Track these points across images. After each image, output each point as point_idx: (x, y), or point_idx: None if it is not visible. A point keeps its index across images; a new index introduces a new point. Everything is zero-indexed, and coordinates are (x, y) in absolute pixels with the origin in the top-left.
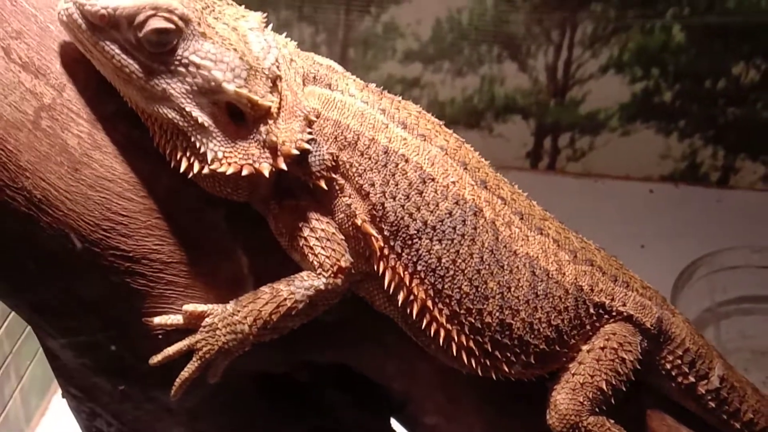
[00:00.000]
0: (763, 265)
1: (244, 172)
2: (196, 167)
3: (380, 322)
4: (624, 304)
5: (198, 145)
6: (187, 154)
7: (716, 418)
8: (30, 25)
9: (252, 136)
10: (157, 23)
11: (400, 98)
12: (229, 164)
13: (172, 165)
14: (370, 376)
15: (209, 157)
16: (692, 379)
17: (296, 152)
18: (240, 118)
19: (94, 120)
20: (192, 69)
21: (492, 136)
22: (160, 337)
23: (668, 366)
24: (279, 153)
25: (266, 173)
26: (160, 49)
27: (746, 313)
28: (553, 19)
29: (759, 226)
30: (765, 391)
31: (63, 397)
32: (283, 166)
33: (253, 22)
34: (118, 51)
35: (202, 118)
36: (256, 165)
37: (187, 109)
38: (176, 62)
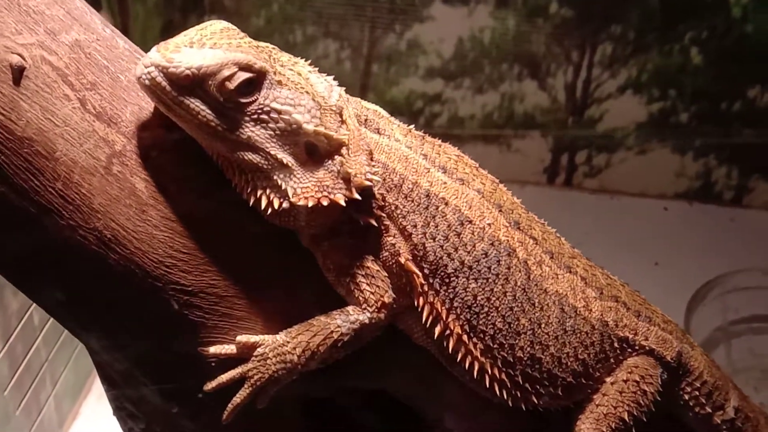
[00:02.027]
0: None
1: (325, 203)
2: (276, 203)
3: (417, 352)
4: (646, 339)
5: (279, 182)
6: (267, 192)
7: None
8: (103, 77)
9: (325, 169)
10: (239, 77)
11: (440, 142)
12: (307, 198)
13: (250, 203)
14: (404, 400)
15: (290, 193)
16: (709, 410)
17: (368, 183)
18: (314, 152)
19: (161, 164)
20: (274, 115)
21: (510, 152)
22: (213, 364)
23: (686, 397)
24: (351, 184)
25: (342, 203)
26: (243, 99)
27: (757, 332)
28: (573, 39)
29: (764, 245)
30: None
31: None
32: (357, 196)
33: (307, 66)
34: (203, 107)
35: (286, 158)
36: (332, 196)
37: (272, 152)
38: (259, 111)
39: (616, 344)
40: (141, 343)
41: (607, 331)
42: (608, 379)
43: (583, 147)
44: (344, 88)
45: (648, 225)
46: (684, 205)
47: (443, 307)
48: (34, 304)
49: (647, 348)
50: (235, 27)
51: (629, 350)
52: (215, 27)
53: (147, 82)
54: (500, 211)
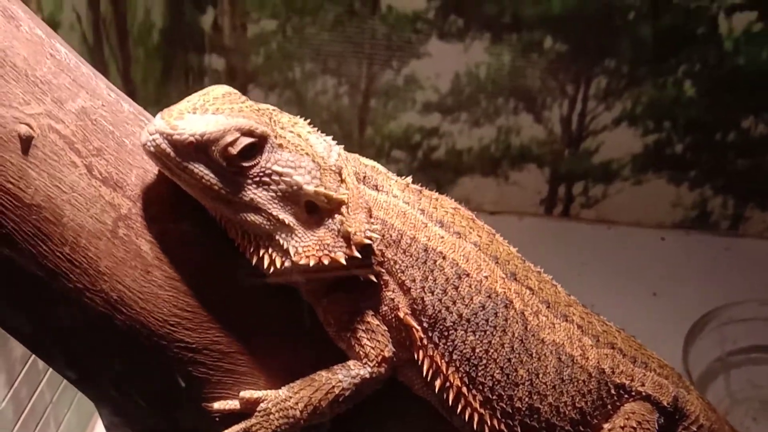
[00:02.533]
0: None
1: (326, 261)
2: (278, 263)
3: (417, 403)
4: (643, 384)
5: (281, 242)
6: (269, 251)
7: None
8: (108, 142)
9: (325, 227)
10: (242, 143)
11: (437, 195)
12: (308, 257)
13: (253, 263)
14: None
15: (291, 252)
16: None
17: (368, 241)
18: (314, 211)
19: (164, 225)
20: (275, 177)
21: (508, 184)
22: (217, 419)
23: None
24: (352, 242)
25: (343, 261)
26: (246, 163)
27: (756, 363)
28: (568, 73)
29: (765, 273)
30: None
31: None
32: (357, 254)
33: (306, 126)
34: (206, 171)
35: (288, 218)
36: (333, 254)
37: (273, 212)
38: (261, 174)
39: (613, 391)
40: (157, 398)
41: (604, 378)
42: (606, 426)
43: (579, 178)
44: (342, 147)
45: (645, 255)
46: (681, 234)
47: (442, 360)
48: None
49: (644, 393)
50: (236, 91)
51: (626, 396)
52: (217, 92)
53: (152, 149)
54: (497, 262)
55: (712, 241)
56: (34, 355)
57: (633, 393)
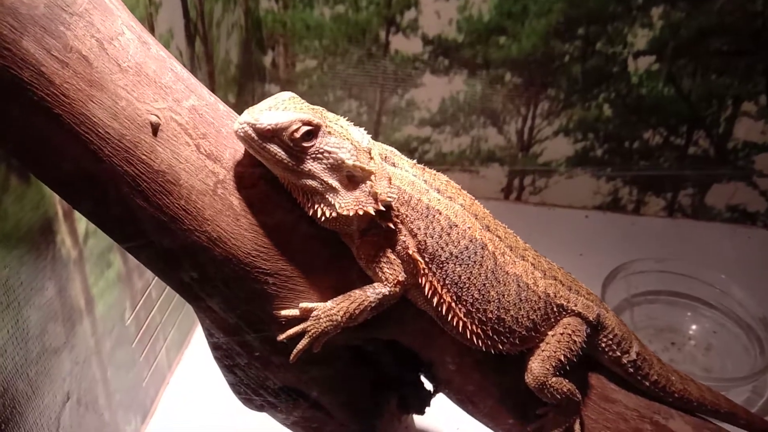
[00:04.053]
0: (662, 270)
1: (360, 213)
2: (328, 213)
3: (419, 314)
4: (575, 305)
5: (330, 199)
6: (321, 206)
7: (634, 379)
8: (210, 129)
9: (360, 190)
10: (303, 130)
11: (435, 171)
12: (348, 209)
13: (310, 214)
14: (410, 347)
15: (337, 206)
16: (618, 354)
17: (389, 199)
18: (352, 179)
19: (250, 188)
20: (326, 154)
21: (478, 177)
22: (283, 323)
23: (603, 345)
24: (378, 200)
25: (372, 212)
26: (306, 144)
27: (651, 302)
28: (521, 99)
29: (660, 242)
30: (664, 358)
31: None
32: (382, 208)
33: (345, 121)
34: (278, 150)
35: (334, 183)
36: (365, 208)
37: (324, 178)
38: (316, 152)
39: (555, 309)
40: (244, 306)
41: (549, 300)
42: (550, 333)
43: (529, 173)
44: (371, 135)
45: (575, 228)
46: (600, 213)
47: (438, 284)
48: (152, 284)
49: (576, 311)
50: (297, 95)
51: (564, 313)
52: (285, 96)
53: (242, 134)
54: (476, 218)
55: (621, 218)
56: (150, 288)
57: (568, 311)
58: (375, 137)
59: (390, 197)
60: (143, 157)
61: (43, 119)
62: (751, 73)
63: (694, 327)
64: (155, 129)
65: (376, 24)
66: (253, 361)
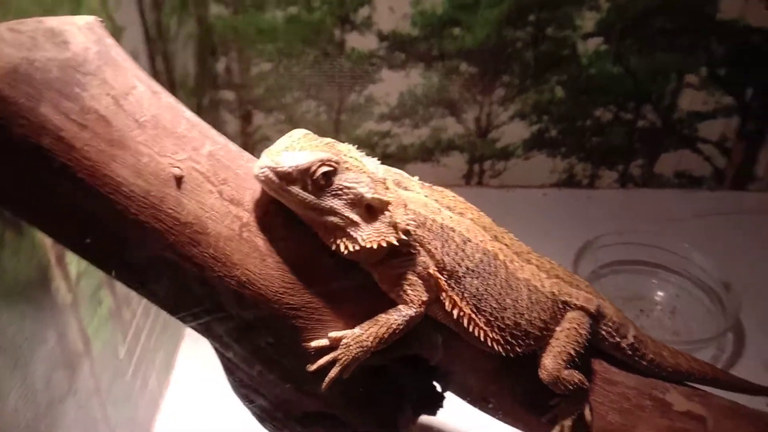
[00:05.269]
0: (623, 242)
1: (384, 244)
2: (351, 248)
3: (438, 328)
4: (578, 299)
5: (352, 233)
6: (345, 241)
7: (632, 360)
8: (229, 173)
9: (380, 221)
10: (323, 169)
11: (441, 188)
12: (371, 242)
13: (333, 249)
14: (427, 358)
15: (360, 240)
16: (618, 339)
17: (408, 227)
18: (371, 211)
19: (271, 228)
20: (346, 190)
21: (439, 166)
22: (312, 353)
23: (603, 333)
24: (398, 229)
25: (395, 242)
26: (326, 183)
27: (616, 273)
28: (477, 87)
29: (615, 212)
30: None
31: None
32: (403, 237)
33: (355, 150)
34: (299, 190)
35: (355, 218)
36: (387, 239)
37: (346, 213)
38: (336, 189)
39: (560, 306)
40: (269, 347)
41: (555, 298)
42: (558, 329)
43: (488, 158)
44: (381, 165)
45: (534, 206)
46: (556, 190)
47: (458, 298)
48: (139, 312)
49: (579, 305)
50: (310, 132)
51: (568, 308)
52: (299, 134)
53: (263, 178)
54: (485, 230)
55: (577, 193)
56: (137, 316)
57: (572, 306)
58: (336, 135)
59: (409, 225)
60: (169, 211)
61: (68, 185)
62: (693, 48)
63: (660, 293)
64: (179, 181)
65: (330, 23)
66: (283, 391)
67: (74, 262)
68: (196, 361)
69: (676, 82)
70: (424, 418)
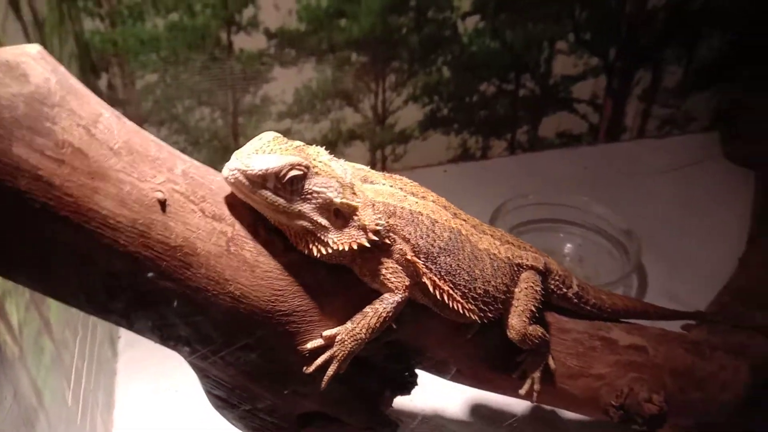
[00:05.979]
0: (528, 204)
1: (354, 247)
2: (323, 251)
3: (421, 309)
4: (528, 260)
5: (322, 237)
6: (316, 244)
7: (578, 308)
8: (204, 190)
9: (350, 224)
10: (293, 173)
11: (399, 176)
12: (342, 244)
13: (306, 253)
14: (405, 340)
15: (330, 243)
16: (565, 290)
17: (378, 228)
18: (339, 215)
19: (253, 237)
20: (314, 195)
21: (344, 157)
22: (307, 355)
23: (552, 286)
24: (367, 230)
25: (366, 244)
26: (295, 187)
27: (529, 231)
28: (370, 76)
29: (511, 178)
30: None
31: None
32: (374, 237)
33: (325, 154)
34: (269, 194)
35: (324, 222)
36: (358, 241)
37: (315, 218)
38: (305, 193)
39: (515, 268)
40: (261, 358)
41: (510, 262)
42: (516, 289)
43: (388, 144)
44: (348, 164)
45: (438, 184)
46: (455, 166)
47: (437, 278)
48: (76, 352)
49: (530, 265)
50: (280, 134)
51: (522, 269)
52: (269, 136)
53: (232, 180)
54: (446, 209)
55: (474, 165)
56: (75, 358)
57: (524, 266)
58: (235, 139)
59: (378, 225)
60: (158, 236)
61: (51, 226)
62: (560, 17)
63: (568, 245)
64: (163, 205)
65: (215, 26)
66: (279, 400)
67: (14, 312)
68: (134, 394)
69: (549, 50)
70: (398, 400)
